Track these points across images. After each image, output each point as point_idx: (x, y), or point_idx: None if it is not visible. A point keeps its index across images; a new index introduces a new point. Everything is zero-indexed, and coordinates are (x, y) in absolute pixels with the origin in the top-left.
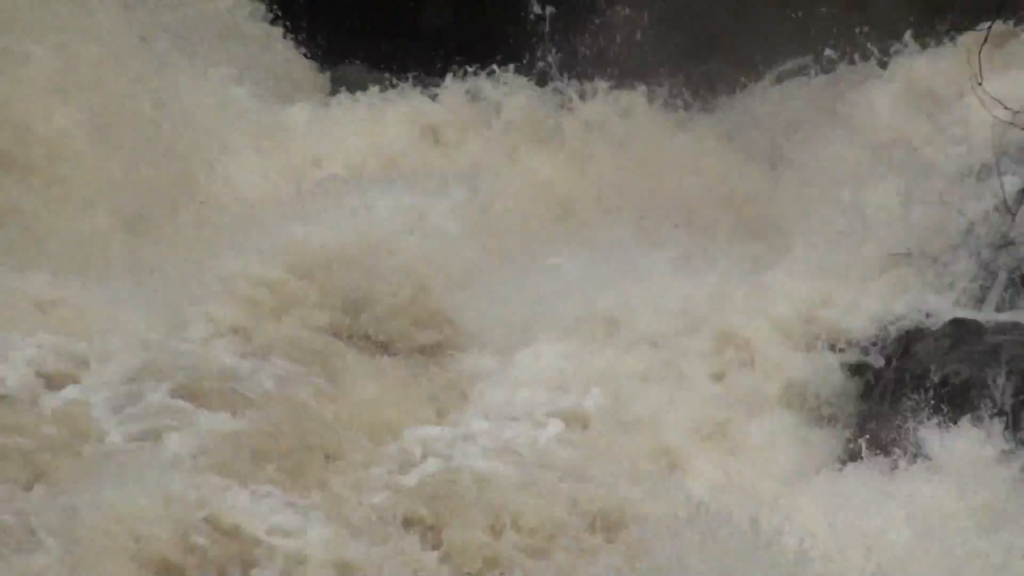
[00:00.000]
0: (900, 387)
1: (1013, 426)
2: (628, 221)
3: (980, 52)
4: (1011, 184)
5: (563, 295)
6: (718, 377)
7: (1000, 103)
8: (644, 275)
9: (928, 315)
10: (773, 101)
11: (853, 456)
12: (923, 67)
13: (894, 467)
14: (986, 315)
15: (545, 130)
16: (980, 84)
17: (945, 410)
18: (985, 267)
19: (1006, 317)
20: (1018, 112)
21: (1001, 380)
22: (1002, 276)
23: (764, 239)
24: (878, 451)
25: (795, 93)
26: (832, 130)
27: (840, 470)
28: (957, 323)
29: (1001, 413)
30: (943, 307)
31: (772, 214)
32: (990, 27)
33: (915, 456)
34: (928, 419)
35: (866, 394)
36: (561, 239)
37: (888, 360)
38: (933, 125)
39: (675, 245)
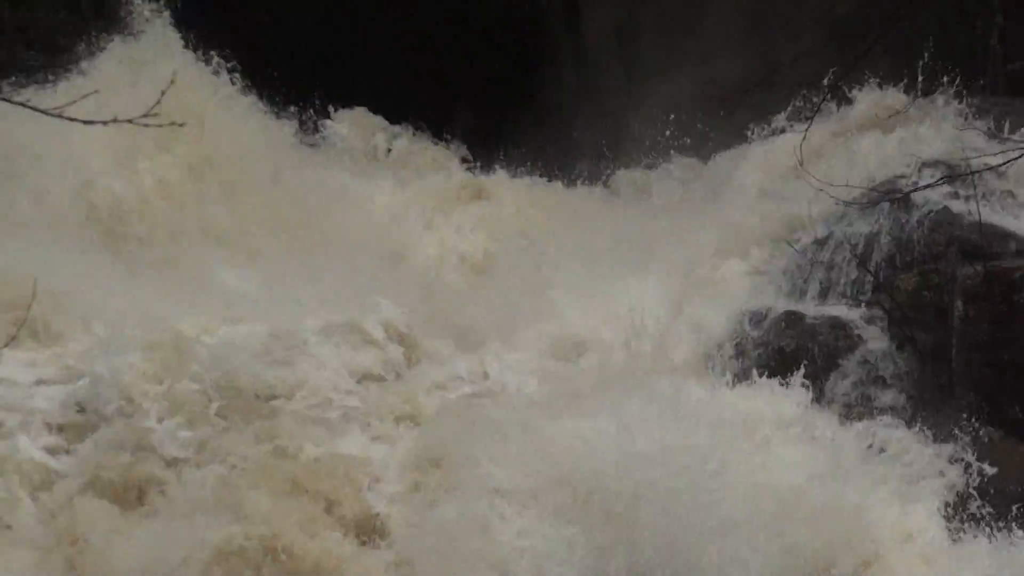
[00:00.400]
0: (754, 350)
1: (823, 379)
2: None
3: (801, 145)
4: (822, 229)
5: None
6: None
7: (813, 176)
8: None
9: (769, 308)
10: (642, 181)
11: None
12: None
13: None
14: (805, 307)
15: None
16: (801, 165)
17: (779, 367)
18: (805, 279)
19: (819, 310)
20: (826, 185)
21: (816, 350)
22: (815, 284)
23: (641, 263)
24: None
25: (656, 176)
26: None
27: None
28: (789, 313)
29: (816, 373)
30: (780, 303)
31: (646, 246)
32: (807, 128)
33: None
34: (770, 374)
35: (736, 355)
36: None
37: (745, 334)
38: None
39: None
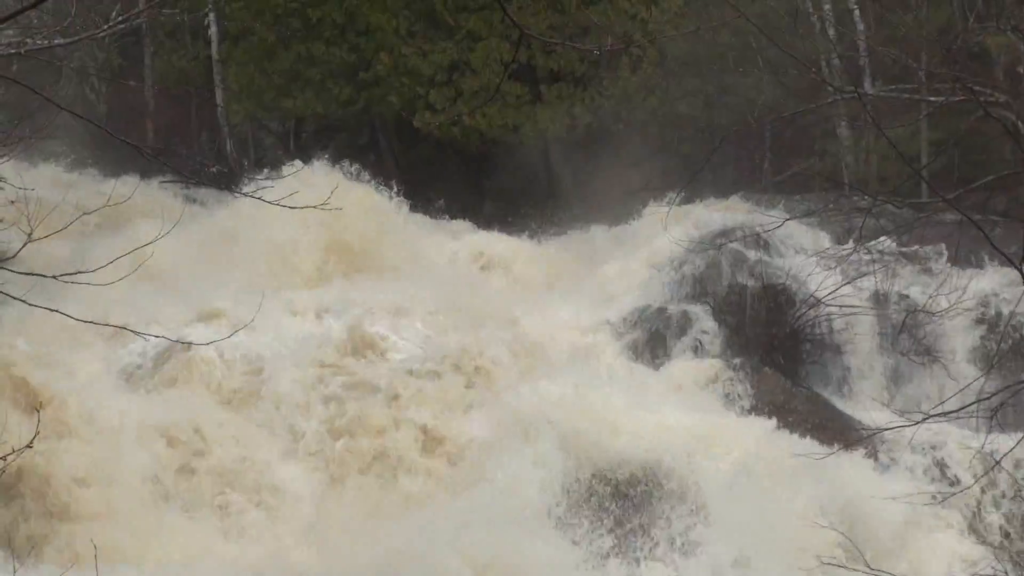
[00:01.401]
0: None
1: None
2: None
3: (667, 215)
4: (676, 263)
5: None
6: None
7: (670, 236)
8: None
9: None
10: (586, 236)
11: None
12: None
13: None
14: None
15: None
16: (665, 229)
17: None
18: (678, 290)
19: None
20: (680, 241)
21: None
22: (672, 291)
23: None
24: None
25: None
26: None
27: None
28: (660, 308)
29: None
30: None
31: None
32: (672, 204)
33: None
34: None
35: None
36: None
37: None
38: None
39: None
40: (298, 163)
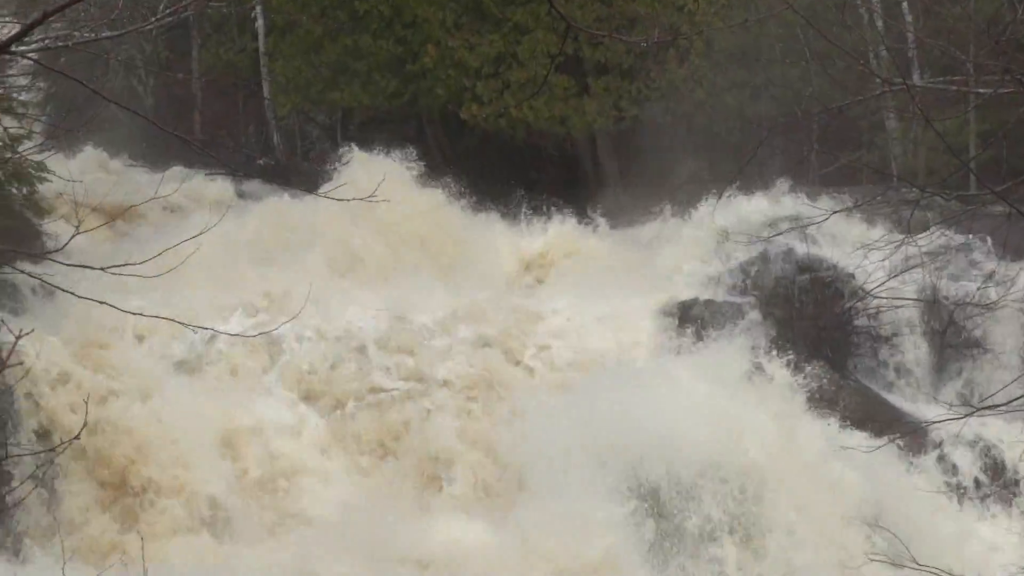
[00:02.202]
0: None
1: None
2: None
3: (714, 207)
4: (738, 260)
5: None
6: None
7: (717, 228)
8: None
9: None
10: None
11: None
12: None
13: None
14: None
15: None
16: (712, 221)
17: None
18: (716, 282)
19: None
20: (727, 233)
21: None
22: (722, 284)
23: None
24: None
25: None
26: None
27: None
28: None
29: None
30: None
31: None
32: (719, 196)
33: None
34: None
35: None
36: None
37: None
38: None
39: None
40: (354, 147)
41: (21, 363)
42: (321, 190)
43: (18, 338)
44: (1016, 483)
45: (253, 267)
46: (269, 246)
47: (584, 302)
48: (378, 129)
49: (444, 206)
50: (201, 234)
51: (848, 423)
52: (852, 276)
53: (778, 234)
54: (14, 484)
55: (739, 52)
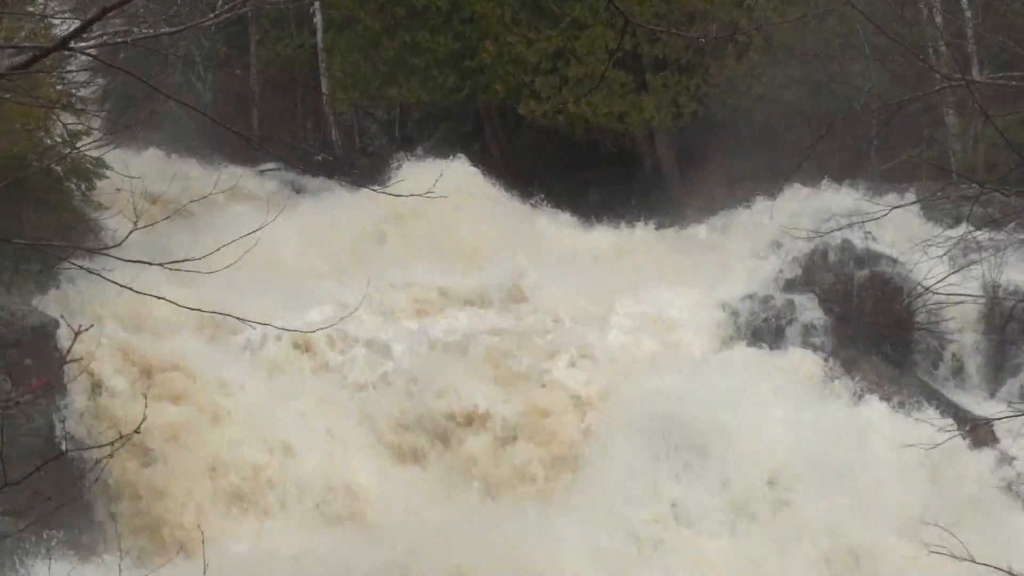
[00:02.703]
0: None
1: (785, 332)
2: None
3: (773, 203)
4: (783, 251)
5: None
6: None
7: (776, 224)
8: None
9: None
10: (692, 224)
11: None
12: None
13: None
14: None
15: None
16: (771, 217)
17: (762, 326)
18: (775, 278)
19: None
20: (786, 229)
21: (779, 316)
22: (780, 280)
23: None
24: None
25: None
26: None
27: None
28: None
29: (779, 329)
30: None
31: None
32: (779, 192)
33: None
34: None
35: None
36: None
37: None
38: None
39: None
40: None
41: (80, 359)
42: (378, 185)
43: (77, 334)
44: None
45: (308, 263)
46: (327, 242)
47: (641, 297)
48: (436, 125)
49: (503, 202)
50: (259, 229)
51: (907, 419)
52: (911, 272)
53: (837, 229)
54: (74, 479)
55: (798, 48)
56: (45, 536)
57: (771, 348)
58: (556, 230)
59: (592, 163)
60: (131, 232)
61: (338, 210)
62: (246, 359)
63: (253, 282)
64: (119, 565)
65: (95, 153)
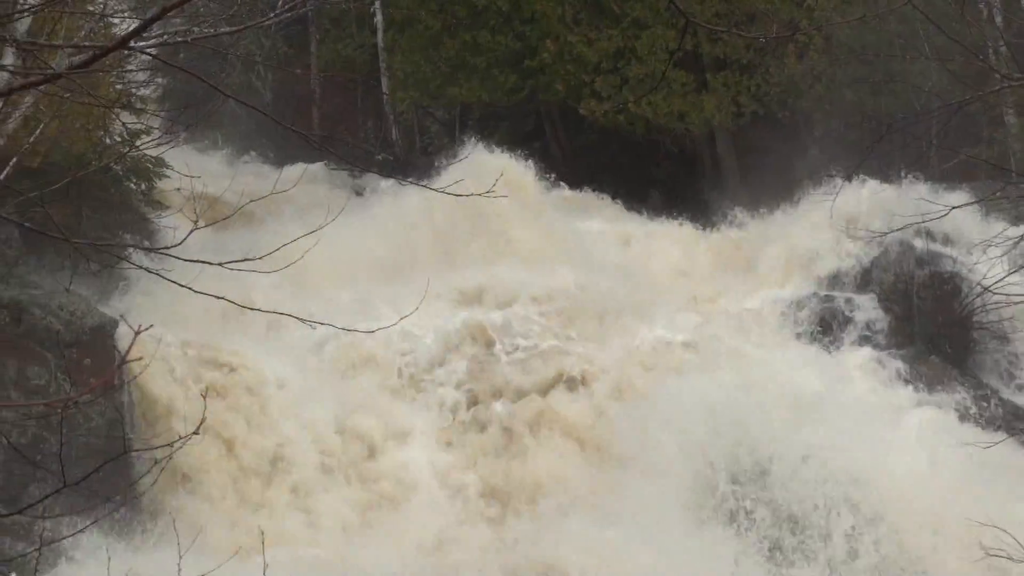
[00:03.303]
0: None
1: (842, 331)
2: None
3: (832, 203)
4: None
5: None
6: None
7: (835, 224)
8: None
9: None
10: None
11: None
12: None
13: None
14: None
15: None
16: (831, 217)
17: (821, 324)
18: (843, 278)
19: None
20: (846, 229)
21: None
22: (840, 280)
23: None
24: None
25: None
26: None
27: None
28: (826, 295)
29: (839, 327)
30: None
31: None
32: (838, 192)
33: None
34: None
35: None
36: None
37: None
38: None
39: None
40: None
41: (141, 358)
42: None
43: (137, 333)
44: None
45: (368, 263)
46: (388, 242)
47: (700, 296)
48: (497, 125)
49: (563, 201)
50: (319, 229)
51: (966, 419)
52: (970, 272)
53: (897, 230)
54: (134, 477)
55: (858, 47)
56: (104, 535)
57: (830, 347)
58: (611, 229)
59: (653, 163)
60: (191, 231)
61: (400, 210)
62: (305, 358)
63: (314, 283)
64: (178, 564)
65: (154, 152)
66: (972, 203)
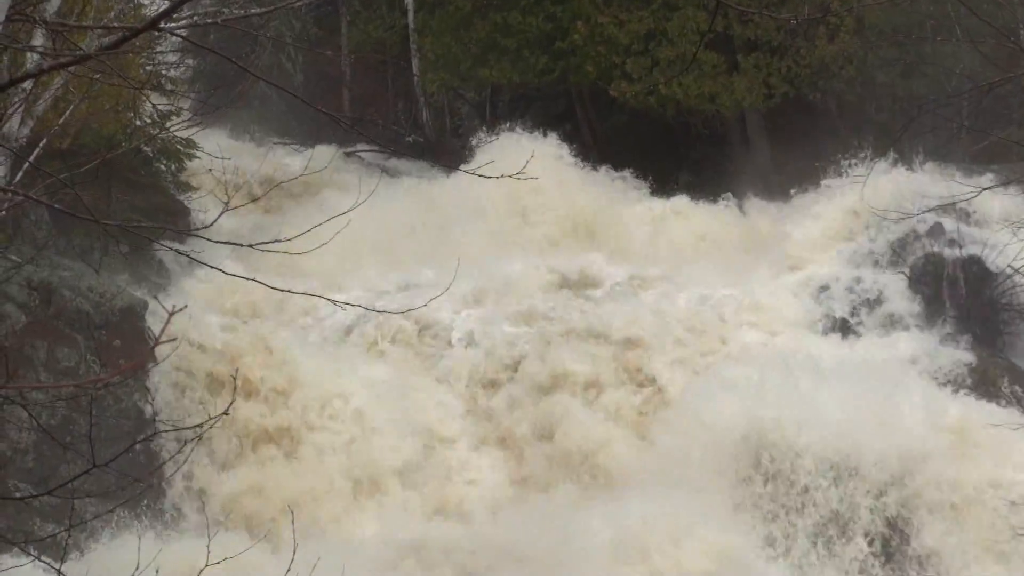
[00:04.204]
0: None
1: (875, 312)
2: None
3: (863, 184)
4: (872, 233)
5: None
6: None
7: (866, 205)
8: None
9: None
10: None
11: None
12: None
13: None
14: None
15: None
16: (862, 198)
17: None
18: (873, 259)
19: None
20: (877, 210)
21: (870, 297)
22: (870, 260)
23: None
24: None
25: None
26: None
27: None
28: (855, 277)
29: (870, 309)
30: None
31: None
32: (869, 173)
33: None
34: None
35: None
36: None
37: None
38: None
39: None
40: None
41: (173, 339)
42: (469, 167)
43: (171, 314)
44: None
45: (398, 244)
46: (418, 223)
47: (732, 277)
48: (527, 106)
49: (593, 184)
50: (350, 211)
51: (997, 400)
52: (1001, 254)
53: (927, 211)
54: (162, 461)
55: (889, 29)
56: (133, 516)
57: (859, 328)
58: (643, 211)
59: (683, 144)
60: (222, 213)
61: (430, 192)
62: (334, 340)
63: (346, 265)
64: (207, 547)
65: (184, 134)
66: (1003, 184)
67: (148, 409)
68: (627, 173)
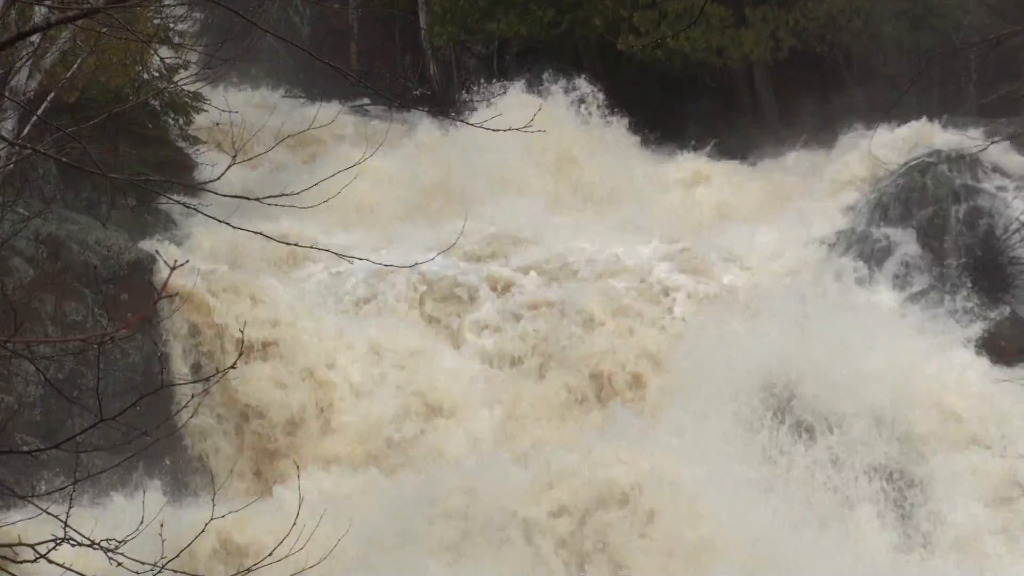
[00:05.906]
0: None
1: (883, 265)
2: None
3: (872, 138)
4: (894, 191)
5: None
6: None
7: (875, 158)
8: None
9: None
10: (790, 159)
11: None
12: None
13: None
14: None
15: None
16: (871, 152)
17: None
18: (882, 213)
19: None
20: (885, 164)
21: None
22: (877, 212)
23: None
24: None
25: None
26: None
27: None
28: (864, 231)
29: (879, 262)
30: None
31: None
32: (877, 126)
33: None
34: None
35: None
36: None
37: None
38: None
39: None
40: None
41: (177, 294)
42: (476, 120)
43: (173, 268)
44: None
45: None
46: (427, 178)
47: (739, 232)
48: (535, 60)
49: (601, 138)
50: (356, 164)
51: (1005, 355)
52: (1010, 207)
53: (935, 163)
54: (169, 414)
55: None
56: (140, 471)
57: (868, 283)
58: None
59: (691, 98)
60: (229, 166)
61: (437, 145)
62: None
63: (350, 220)
64: (212, 500)
65: (192, 87)
66: (1010, 137)
67: (156, 363)
68: (634, 126)
